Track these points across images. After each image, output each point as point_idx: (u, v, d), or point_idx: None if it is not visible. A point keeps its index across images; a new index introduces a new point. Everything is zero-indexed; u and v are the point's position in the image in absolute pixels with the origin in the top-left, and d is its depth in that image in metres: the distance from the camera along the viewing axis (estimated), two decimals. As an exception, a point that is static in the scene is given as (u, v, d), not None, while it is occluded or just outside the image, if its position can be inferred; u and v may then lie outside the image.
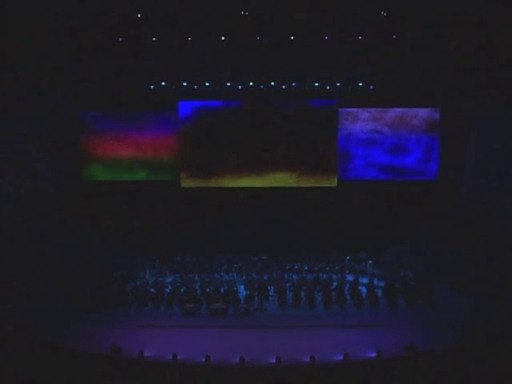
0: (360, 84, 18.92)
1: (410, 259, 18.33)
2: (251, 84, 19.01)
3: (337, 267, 18.14)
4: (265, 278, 17.34)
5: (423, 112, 19.69)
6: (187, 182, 20.30)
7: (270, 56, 17.67)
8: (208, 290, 16.49)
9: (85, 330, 13.88)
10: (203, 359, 11.94)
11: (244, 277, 17.67)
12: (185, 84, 19.06)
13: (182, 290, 16.47)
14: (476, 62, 16.55)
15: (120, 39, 17.15)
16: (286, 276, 17.45)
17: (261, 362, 12.02)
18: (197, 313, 15.28)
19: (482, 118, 18.19)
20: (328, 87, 19.13)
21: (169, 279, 17.77)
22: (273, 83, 19.00)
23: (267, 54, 17.59)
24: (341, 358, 12.02)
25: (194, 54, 17.58)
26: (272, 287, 16.61)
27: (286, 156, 20.04)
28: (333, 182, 20.11)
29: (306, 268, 18.16)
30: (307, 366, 11.81)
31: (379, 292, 16.14)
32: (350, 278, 17.41)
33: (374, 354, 12.19)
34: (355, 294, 15.96)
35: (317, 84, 18.99)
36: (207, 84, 19.01)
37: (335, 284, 16.66)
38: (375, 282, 16.99)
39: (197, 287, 16.75)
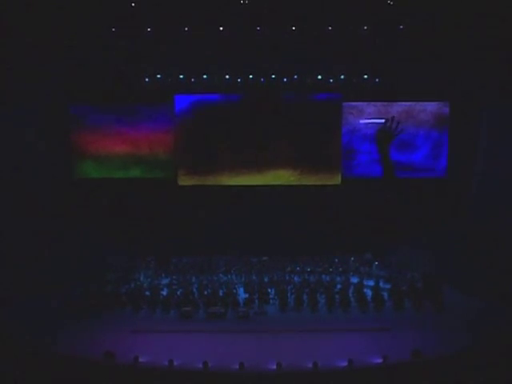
0: (365, 76, 18.89)
1: (418, 260, 18.32)
2: (251, 77, 19.00)
3: (341, 269, 18.18)
4: (265, 279, 17.37)
5: (431, 106, 19.65)
6: (184, 180, 20.30)
7: (270, 47, 17.62)
8: (206, 292, 16.51)
9: (76, 335, 13.85)
10: (201, 365, 11.94)
11: (243, 279, 17.70)
12: (181, 77, 19.04)
13: (178, 293, 16.48)
14: (488, 52, 16.48)
15: (113, 29, 17.12)
16: (287, 278, 17.48)
17: (261, 367, 12.01)
18: (194, 316, 15.28)
19: (494, 112, 18.14)
20: (331, 80, 19.11)
21: (165, 281, 17.80)
22: (273, 76, 18.99)
23: (268, 46, 17.54)
24: (345, 363, 12.01)
25: (191, 45, 17.54)
26: (273, 290, 16.63)
27: (287, 152, 20.02)
28: (336, 180, 20.10)
29: (309, 269, 18.19)
30: (309, 372, 11.79)
31: (385, 295, 16.15)
32: (354, 279, 17.44)
33: (379, 360, 12.18)
34: (360, 297, 15.97)
35: (320, 77, 18.97)
36: (205, 77, 19.00)
37: (339, 286, 16.67)
38: (381, 284, 17.01)
39: (194, 290, 16.77)
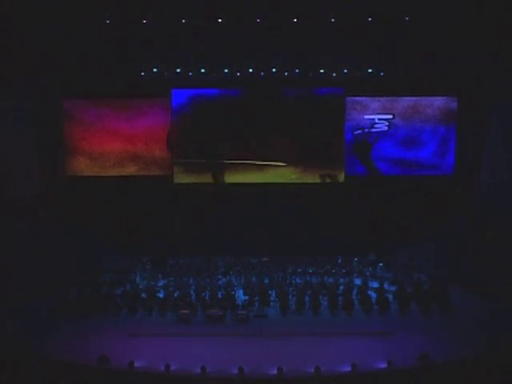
0: (369, 70, 18.82)
1: (424, 261, 18.29)
2: (251, 71, 18.92)
3: (344, 270, 18.13)
4: (265, 281, 17.33)
5: (439, 101, 19.58)
6: (181, 177, 20.24)
7: (271, 40, 17.55)
8: (204, 294, 16.48)
9: (69, 339, 13.84)
10: (199, 370, 11.92)
11: (243, 280, 17.65)
12: (178, 70, 18.96)
13: (175, 295, 16.45)
14: (497, 45, 16.42)
15: (108, 21, 17.04)
16: (288, 279, 17.43)
17: (261, 372, 12.00)
18: (192, 320, 15.25)
19: (503, 107, 18.09)
20: (334, 74, 19.03)
21: (161, 283, 17.75)
22: (274, 70, 18.91)
23: (268, 38, 17.47)
24: (348, 368, 11.99)
25: (189, 37, 17.48)
26: (273, 292, 16.58)
27: (288, 149, 19.97)
28: (340, 178, 20.06)
29: (311, 271, 18.14)
30: (311, 377, 11.78)
31: (390, 297, 16.11)
32: (358, 281, 17.41)
33: (384, 365, 12.15)
34: (364, 299, 15.93)
35: (322, 70, 18.89)
36: (203, 70, 18.92)
37: (342, 288, 16.65)
38: (386, 286, 16.98)
39: (192, 292, 16.73)
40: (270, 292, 16.51)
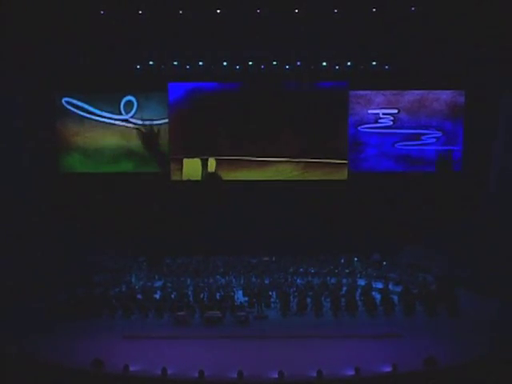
0: (373, 63, 18.77)
1: (430, 261, 18.25)
2: (250, 64, 18.89)
3: (347, 270, 18.10)
4: (266, 282, 17.29)
5: (446, 95, 19.55)
6: (178, 174, 20.23)
7: (271, 32, 17.50)
8: (202, 295, 16.42)
9: (62, 342, 13.77)
10: (196, 374, 11.85)
11: (242, 281, 17.61)
12: (175, 63, 18.93)
13: (172, 296, 16.39)
14: (506, 38, 16.35)
15: (102, 12, 16.99)
16: (289, 280, 17.38)
17: (261, 376, 11.92)
18: (189, 321, 15.21)
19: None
20: (337, 67, 19.01)
21: (158, 284, 17.71)
22: (275, 63, 18.88)
23: (268, 30, 17.42)
24: (352, 372, 11.93)
25: (186, 29, 17.43)
26: (274, 292, 16.53)
27: (289, 145, 19.92)
28: (343, 175, 20.01)
29: (313, 271, 18.11)
30: (313, 381, 11.71)
31: (395, 298, 16.05)
32: (361, 282, 17.36)
33: (389, 369, 12.09)
34: (368, 301, 15.87)
35: (325, 63, 18.86)
36: (201, 63, 18.89)
37: (345, 289, 16.59)
38: (390, 286, 16.92)
39: (189, 293, 16.69)
40: (270, 293, 16.46)
